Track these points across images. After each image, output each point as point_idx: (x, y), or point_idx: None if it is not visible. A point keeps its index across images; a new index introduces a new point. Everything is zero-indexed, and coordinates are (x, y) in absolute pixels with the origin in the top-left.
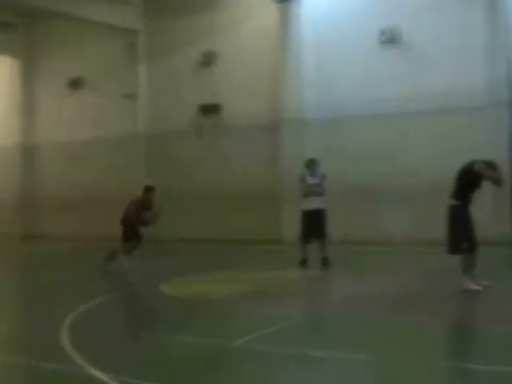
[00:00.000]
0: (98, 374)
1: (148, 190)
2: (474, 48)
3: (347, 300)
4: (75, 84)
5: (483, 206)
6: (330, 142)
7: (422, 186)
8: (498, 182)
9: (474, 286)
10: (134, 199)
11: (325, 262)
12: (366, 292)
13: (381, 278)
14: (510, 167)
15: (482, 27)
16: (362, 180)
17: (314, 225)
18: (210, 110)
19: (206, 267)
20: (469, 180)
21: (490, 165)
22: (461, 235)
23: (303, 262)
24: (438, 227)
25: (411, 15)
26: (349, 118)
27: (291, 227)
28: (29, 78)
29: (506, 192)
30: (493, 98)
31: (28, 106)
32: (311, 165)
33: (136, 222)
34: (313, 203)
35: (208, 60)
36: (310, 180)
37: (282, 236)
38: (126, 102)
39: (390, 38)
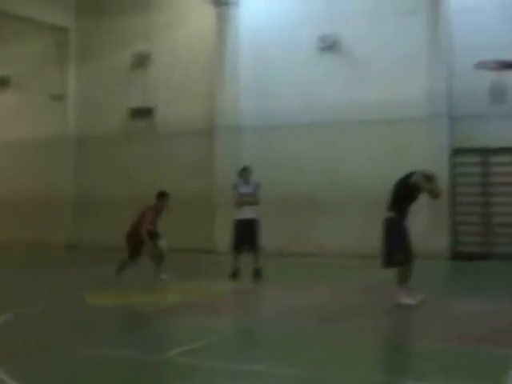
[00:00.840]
0: None
1: (162, 196)
2: (415, 59)
3: (280, 313)
4: (2, 83)
5: (420, 218)
6: (267, 150)
7: (360, 197)
8: (435, 194)
9: (409, 300)
10: (146, 210)
11: (257, 274)
12: (299, 305)
13: (316, 290)
14: (449, 179)
15: (423, 38)
16: (299, 190)
17: (246, 235)
18: (143, 113)
19: (135, 277)
20: (406, 192)
21: (428, 177)
22: (396, 248)
23: (235, 274)
24: (375, 240)
25: (352, 23)
26: (286, 125)
27: (225, 237)
28: None
29: (443, 205)
30: (433, 110)
31: None
32: (244, 173)
33: (149, 235)
34: (246, 213)
35: (142, 62)
36: (243, 189)
37: (215, 246)
38: (56, 102)
39: (330, 45)
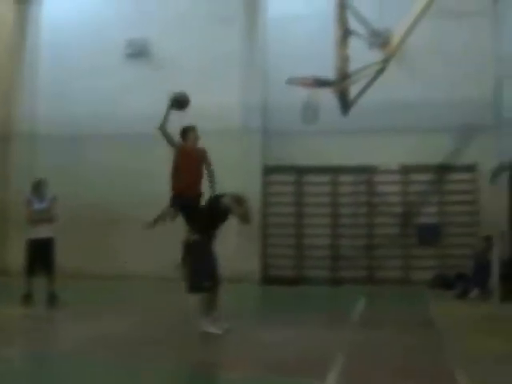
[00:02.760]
0: None
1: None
2: (228, 69)
3: (76, 341)
4: None
5: (229, 240)
6: (67, 162)
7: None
8: (245, 218)
9: (213, 329)
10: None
11: (52, 298)
12: (97, 333)
13: (114, 317)
14: (260, 201)
15: (238, 48)
16: (101, 207)
17: (40, 255)
18: None
19: None
20: (214, 214)
21: (238, 199)
22: (202, 272)
23: (27, 298)
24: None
25: (162, 28)
26: (90, 135)
27: (19, 256)
28: None
29: (254, 226)
30: (246, 124)
31: None
32: (39, 187)
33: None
34: (40, 231)
35: None
36: (38, 204)
37: (7, 266)
38: None
39: (138, 51)
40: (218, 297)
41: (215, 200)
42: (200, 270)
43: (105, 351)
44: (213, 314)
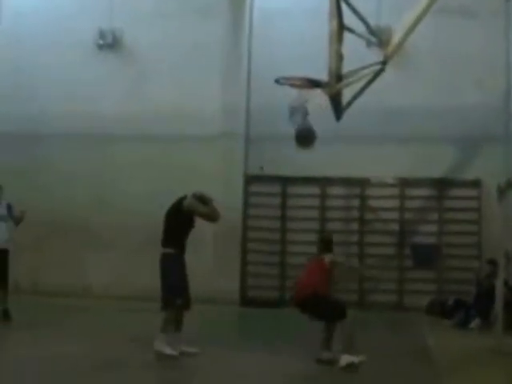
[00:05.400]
0: None
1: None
2: (209, 69)
3: (22, 365)
4: None
5: (206, 257)
6: (26, 164)
7: (137, 226)
8: (211, 217)
9: (169, 350)
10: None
11: (5, 315)
12: (52, 354)
13: (74, 338)
14: (240, 213)
15: (220, 45)
16: (62, 215)
17: None
18: None
19: None
20: (180, 220)
21: (201, 198)
22: (175, 289)
23: None
24: (151, 278)
25: (138, 18)
26: (52, 135)
27: None
28: None
29: (235, 242)
30: (228, 129)
31: None
32: None
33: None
34: None
35: None
36: None
37: None
38: None
39: (110, 43)
40: (183, 316)
41: (177, 204)
42: (173, 287)
43: (57, 374)
44: (176, 335)
